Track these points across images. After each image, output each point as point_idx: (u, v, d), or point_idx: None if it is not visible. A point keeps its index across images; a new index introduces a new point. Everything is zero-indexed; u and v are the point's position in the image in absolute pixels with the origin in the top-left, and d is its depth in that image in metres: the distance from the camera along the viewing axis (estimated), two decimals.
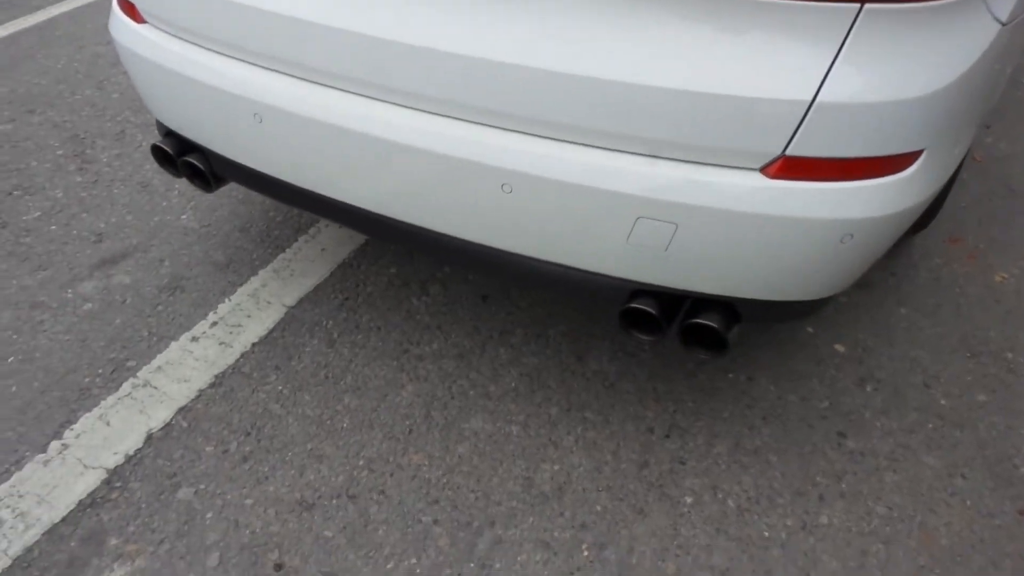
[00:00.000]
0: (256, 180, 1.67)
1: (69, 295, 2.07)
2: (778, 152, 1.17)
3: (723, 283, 1.33)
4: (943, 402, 1.81)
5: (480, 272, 1.58)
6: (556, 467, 1.67)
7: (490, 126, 1.31)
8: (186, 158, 1.74)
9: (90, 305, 2.04)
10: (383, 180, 1.43)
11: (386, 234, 1.58)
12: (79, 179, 2.53)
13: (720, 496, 1.62)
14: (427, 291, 2.12)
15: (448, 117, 1.33)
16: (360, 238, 2.29)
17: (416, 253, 2.24)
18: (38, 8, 3.76)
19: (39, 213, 2.37)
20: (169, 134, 1.81)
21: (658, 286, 1.38)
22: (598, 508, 1.59)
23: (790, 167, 1.19)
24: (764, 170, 1.20)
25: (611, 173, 1.24)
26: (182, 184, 2.51)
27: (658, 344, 1.91)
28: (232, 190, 2.49)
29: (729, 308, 1.39)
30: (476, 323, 2.02)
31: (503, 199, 1.33)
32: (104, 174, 2.55)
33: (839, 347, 1.97)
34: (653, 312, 1.36)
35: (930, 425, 1.76)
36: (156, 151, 1.80)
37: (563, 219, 1.31)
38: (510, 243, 1.42)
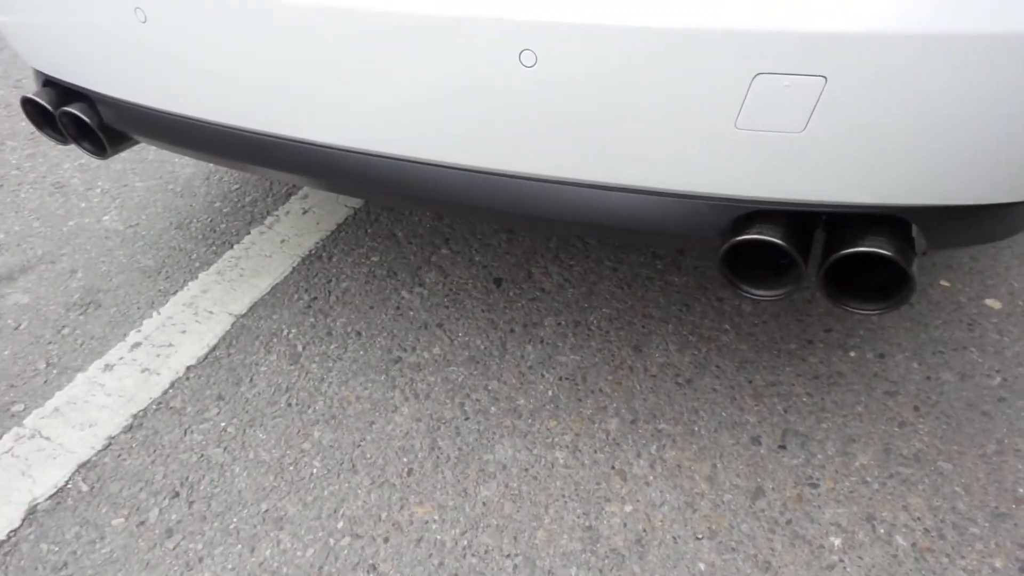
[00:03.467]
0: (158, 129, 1.15)
1: None
2: None
3: (899, 182, 0.79)
4: None
5: (494, 220, 1.05)
6: (628, 508, 1.12)
7: None
8: (66, 108, 1.23)
9: None
10: (346, 86, 0.90)
11: (349, 180, 1.05)
12: None
13: (882, 532, 1.06)
14: (421, 280, 1.58)
15: None
16: (329, 224, 1.77)
17: (404, 227, 1.71)
18: None
19: None
20: (48, 84, 1.30)
21: (781, 202, 0.84)
22: (701, 567, 1.04)
23: None
24: None
25: (700, 3, 0.72)
26: (106, 181, 2.00)
27: (782, 300, 1.37)
28: (168, 181, 1.98)
29: (898, 226, 0.85)
30: (490, 316, 1.48)
31: (521, 80, 0.80)
32: (10, 178, 2.04)
33: (992, 303, 1.42)
34: (783, 244, 0.83)
35: None
36: (28, 106, 1.29)
37: (617, 101, 0.79)
38: (534, 161, 0.89)
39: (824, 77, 0.71)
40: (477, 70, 0.81)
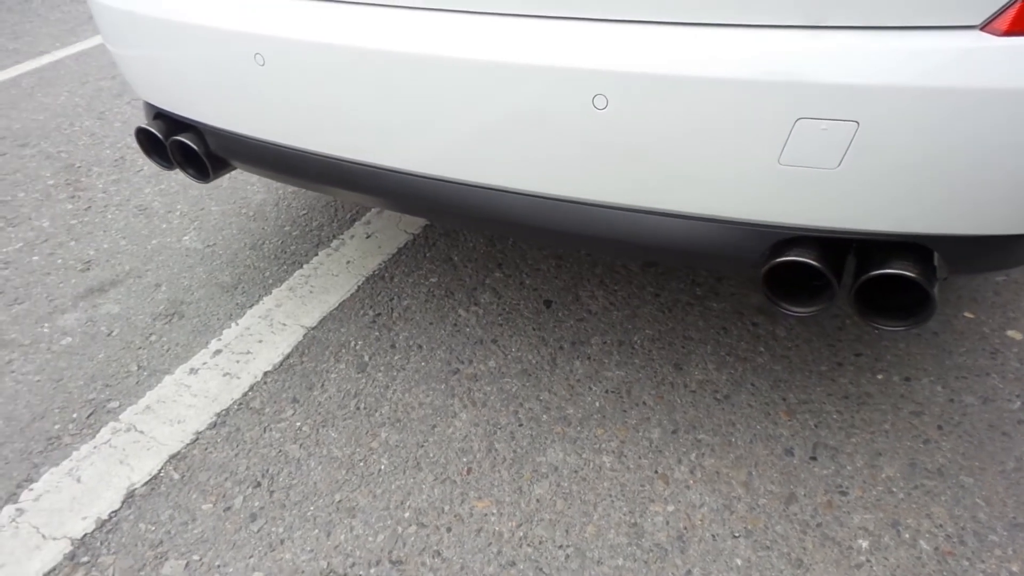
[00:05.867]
0: (263, 157, 1.31)
1: (45, 330, 1.71)
2: None
3: (922, 214, 0.91)
4: None
5: (557, 243, 1.18)
6: (671, 508, 1.23)
7: (572, 18, 0.94)
8: (177, 137, 1.39)
9: (69, 340, 1.68)
10: (436, 122, 1.05)
11: (430, 204, 1.20)
12: (69, 207, 2.21)
13: (907, 536, 1.15)
14: (476, 300, 1.72)
15: (517, 16, 0.96)
16: (390, 248, 1.92)
17: (459, 251, 1.85)
18: (43, 53, 3.57)
19: (20, 244, 2.04)
20: (159, 116, 1.47)
21: (819, 229, 0.96)
22: (738, 563, 1.14)
23: None
24: (989, 25, 0.80)
25: (752, 58, 0.85)
26: (185, 205, 2.18)
27: (814, 316, 1.47)
28: (241, 206, 2.15)
29: (922, 252, 0.96)
30: (541, 334, 1.61)
31: (594, 120, 0.94)
32: (98, 200, 2.23)
33: (1013, 334, 1.51)
34: (818, 266, 0.95)
35: None
36: (142, 136, 1.46)
37: (677, 140, 0.92)
38: (597, 189, 1.02)
39: (857, 122, 0.84)
40: (556, 111, 0.95)
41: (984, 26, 0.80)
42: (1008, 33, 0.79)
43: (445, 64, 0.99)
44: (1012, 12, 0.78)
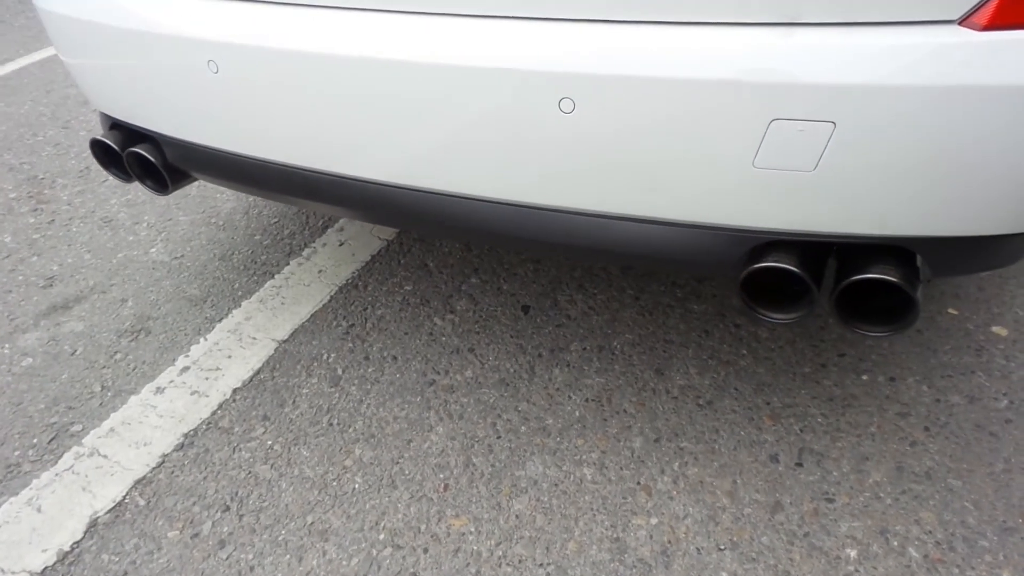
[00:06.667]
0: (222, 167, 1.25)
1: (5, 351, 1.65)
2: None
3: (903, 216, 0.88)
4: None
5: (526, 249, 1.14)
6: (654, 521, 1.19)
7: (535, 18, 0.89)
8: (133, 149, 1.34)
9: (30, 360, 1.61)
10: (398, 129, 1.01)
11: (398, 214, 1.15)
12: (32, 220, 2.14)
13: (896, 544, 1.13)
14: (452, 308, 1.67)
15: (481, 16, 0.92)
16: (364, 255, 1.87)
17: (434, 257, 1.81)
18: (7, 60, 3.47)
19: None
20: (115, 127, 1.41)
21: (795, 233, 0.93)
22: None
23: (1013, 9, 0.75)
24: (967, 19, 0.77)
25: (723, 58, 0.81)
26: (152, 216, 2.11)
27: (795, 323, 1.44)
28: (210, 216, 2.09)
29: (904, 255, 0.93)
30: (519, 341, 1.57)
31: (560, 125, 0.90)
32: (62, 213, 2.16)
33: (999, 330, 1.49)
34: (797, 271, 0.91)
35: None
36: (97, 148, 1.40)
37: (647, 143, 0.88)
38: (567, 195, 0.98)
39: (833, 122, 0.80)
40: (521, 116, 0.91)
41: (963, 20, 0.77)
42: (988, 27, 0.76)
43: (404, 68, 0.95)
44: (992, 6, 0.75)
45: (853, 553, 1.12)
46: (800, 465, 1.26)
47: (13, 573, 1.18)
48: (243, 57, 1.04)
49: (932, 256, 0.93)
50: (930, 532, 1.14)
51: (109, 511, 1.28)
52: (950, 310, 1.55)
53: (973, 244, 0.93)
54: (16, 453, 1.39)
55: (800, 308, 0.97)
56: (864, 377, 1.41)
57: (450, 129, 0.97)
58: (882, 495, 1.20)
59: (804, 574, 1.09)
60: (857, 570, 1.09)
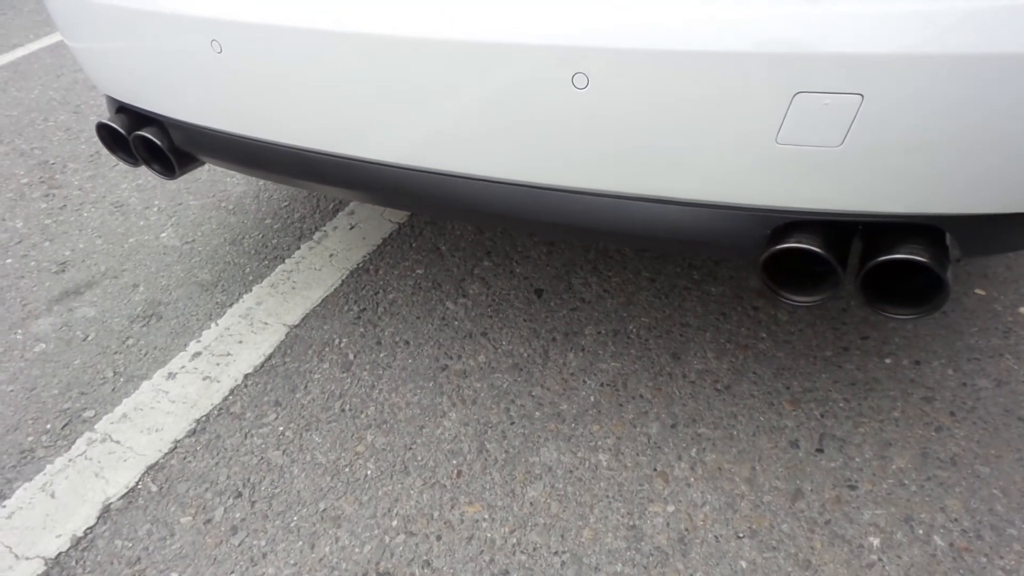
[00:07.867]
0: (229, 150, 1.23)
1: (18, 336, 1.64)
2: None
3: (933, 193, 0.84)
4: None
5: (539, 232, 1.11)
6: (671, 508, 1.17)
7: None
8: (140, 132, 1.32)
9: (43, 346, 1.61)
10: (408, 109, 0.98)
11: (410, 196, 1.12)
12: (44, 205, 2.13)
13: (920, 532, 1.09)
14: (465, 292, 1.65)
15: None
16: (375, 239, 1.84)
17: (446, 241, 1.78)
18: (17, 46, 3.47)
19: None
20: (121, 110, 1.39)
21: (820, 212, 0.89)
22: (743, 565, 1.08)
23: None
24: None
25: (743, 28, 0.77)
26: (163, 200, 2.10)
27: (818, 305, 1.40)
28: (220, 200, 2.07)
29: (933, 234, 0.89)
30: (532, 325, 1.54)
31: (574, 101, 0.87)
32: (73, 198, 2.16)
33: None
34: (822, 252, 0.87)
35: None
36: (103, 131, 1.38)
37: (664, 119, 0.84)
38: (581, 175, 0.95)
39: (861, 95, 0.76)
40: (534, 92, 0.88)
41: None
42: None
43: (410, 45, 0.91)
44: None
45: (876, 541, 1.09)
46: (821, 451, 1.23)
47: (27, 558, 1.18)
48: (246, 36, 1.01)
49: (962, 235, 0.89)
50: (956, 520, 1.11)
51: (122, 497, 1.27)
52: (977, 291, 1.50)
53: (1006, 222, 0.89)
54: (30, 439, 1.39)
55: (824, 290, 0.93)
56: (887, 361, 1.37)
57: (459, 108, 0.94)
58: (906, 482, 1.16)
59: (826, 563, 1.07)
60: (880, 559, 1.06)
